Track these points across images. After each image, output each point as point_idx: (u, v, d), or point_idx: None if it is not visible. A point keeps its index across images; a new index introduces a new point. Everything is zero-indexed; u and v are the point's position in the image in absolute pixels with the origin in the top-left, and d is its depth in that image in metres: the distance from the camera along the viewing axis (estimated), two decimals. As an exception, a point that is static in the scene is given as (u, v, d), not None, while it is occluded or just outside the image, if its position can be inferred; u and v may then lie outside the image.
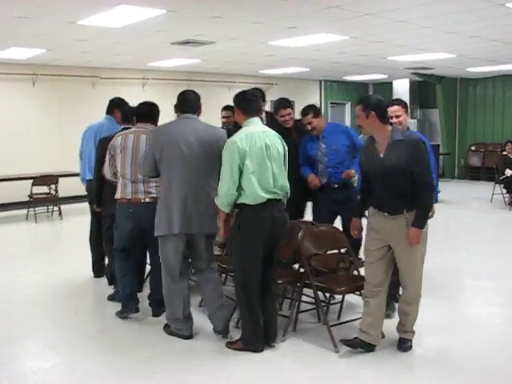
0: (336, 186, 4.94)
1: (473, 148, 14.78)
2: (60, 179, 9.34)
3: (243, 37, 7.82)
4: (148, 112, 4.51)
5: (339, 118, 15.77)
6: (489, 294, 5.17)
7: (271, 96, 13.93)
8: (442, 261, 5.98)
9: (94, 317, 4.75)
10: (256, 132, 3.67)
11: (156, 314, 4.57)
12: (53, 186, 9.45)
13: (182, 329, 4.10)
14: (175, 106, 4.17)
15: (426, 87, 14.68)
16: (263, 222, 3.68)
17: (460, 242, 7.45)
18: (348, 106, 16.33)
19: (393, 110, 4.39)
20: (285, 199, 3.86)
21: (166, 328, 4.22)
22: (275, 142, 3.75)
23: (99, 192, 5.00)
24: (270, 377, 3.53)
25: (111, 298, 4.99)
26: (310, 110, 4.98)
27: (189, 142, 3.87)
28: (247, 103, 3.77)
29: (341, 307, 4.49)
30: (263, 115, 5.45)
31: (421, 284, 3.79)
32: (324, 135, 5.00)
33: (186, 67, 11.57)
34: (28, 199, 9.25)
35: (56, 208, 9.60)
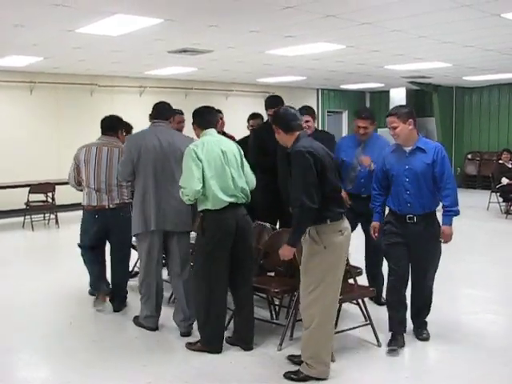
0: (364, 196, 4.73)
1: (469, 156, 14.82)
2: (57, 187, 9.30)
3: (240, 46, 7.85)
4: (112, 125, 4.95)
5: (336, 126, 15.80)
6: (486, 303, 5.17)
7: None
8: (439, 269, 5.97)
9: (89, 326, 4.72)
10: (211, 140, 3.92)
11: (117, 309, 4.92)
12: (50, 194, 9.44)
13: (149, 321, 4.41)
14: (149, 115, 4.52)
15: (423, 96, 14.74)
16: (227, 227, 3.85)
17: (457, 250, 7.42)
18: (345, 115, 16.38)
19: (388, 121, 4.03)
20: (246, 202, 4.06)
21: (135, 320, 4.54)
22: (231, 148, 3.99)
23: None
24: (266, 386, 3.52)
25: (91, 292, 5.31)
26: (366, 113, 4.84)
27: (162, 147, 4.21)
28: (203, 118, 4.05)
29: (337, 316, 4.47)
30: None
31: (319, 316, 3.47)
32: (366, 144, 4.84)
33: (184, 75, 11.59)
34: (25, 207, 9.24)
35: (53, 216, 9.59)
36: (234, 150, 3.98)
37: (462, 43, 7.77)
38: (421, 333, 4.19)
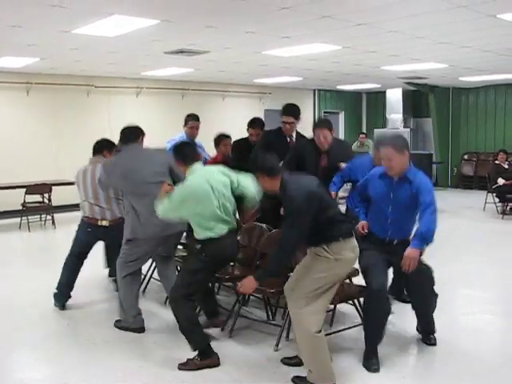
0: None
1: (465, 157, 14.84)
2: (54, 188, 9.29)
3: (237, 46, 7.85)
4: (98, 147, 5.22)
5: (333, 127, 15.77)
6: (483, 303, 5.19)
7: (265, 105, 14.03)
8: (436, 270, 5.98)
9: (86, 327, 4.72)
10: (199, 177, 3.88)
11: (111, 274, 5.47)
12: (46, 195, 9.41)
13: (134, 322, 4.44)
14: (119, 141, 4.67)
15: (419, 96, 14.77)
16: (227, 254, 3.95)
17: (454, 251, 7.46)
18: (342, 116, 16.40)
19: (382, 154, 3.83)
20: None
21: (117, 323, 4.54)
22: (218, 179, 3.95)
23: None
24: (263, 387, 3.52)
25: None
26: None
27: (134, 171, 4.30)
28: (182, 154, 3.99)
29: (333, 316, 4.49)
30: (293, 134, 5.34)
31: (305, 327, 3.40)
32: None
33: (180, 76, 11.58)
34: (21, 208, 9.22)
35: (49, 217, 9.57)
36: (221, 180, 3.94)
37: (459, 44, 7.79)
38: (428, 338, 4.14)
